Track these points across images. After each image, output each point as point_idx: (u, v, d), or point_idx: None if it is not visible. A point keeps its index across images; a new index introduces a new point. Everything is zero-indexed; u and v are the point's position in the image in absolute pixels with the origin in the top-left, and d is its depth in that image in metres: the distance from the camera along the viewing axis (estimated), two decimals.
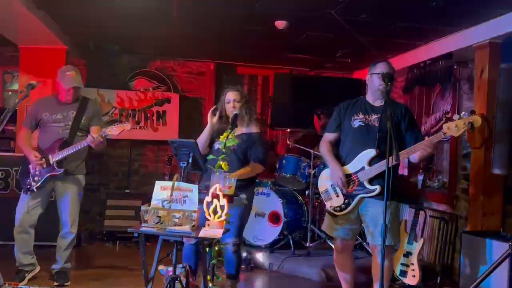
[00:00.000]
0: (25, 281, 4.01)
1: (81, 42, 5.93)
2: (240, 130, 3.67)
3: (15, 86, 6.41)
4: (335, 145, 3.58)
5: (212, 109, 3.69)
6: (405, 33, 4.76)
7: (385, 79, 3.25)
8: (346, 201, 3.40)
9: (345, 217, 3.43)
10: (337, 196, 3.45)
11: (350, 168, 3.40)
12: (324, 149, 3.58)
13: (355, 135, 3.41)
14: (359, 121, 3.41)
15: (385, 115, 3.25)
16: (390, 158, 2.90)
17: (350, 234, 3.49)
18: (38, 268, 4.18)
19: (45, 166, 3.93)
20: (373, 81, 3.42)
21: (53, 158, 3.92)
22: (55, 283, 4.02)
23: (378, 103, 3.44)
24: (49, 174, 3.94)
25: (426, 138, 3.20)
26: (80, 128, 4.05)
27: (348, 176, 3.39)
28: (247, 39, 5.34)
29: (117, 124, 3.89)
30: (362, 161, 3.34)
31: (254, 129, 3.72)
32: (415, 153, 3.20)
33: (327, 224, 3.58)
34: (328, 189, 3.52)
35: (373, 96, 3.46)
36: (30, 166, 3.98)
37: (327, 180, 3.54)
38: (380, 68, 3.40)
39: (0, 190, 5.10)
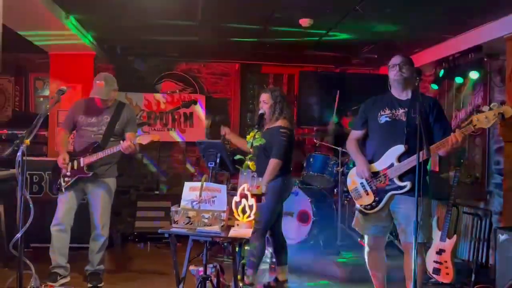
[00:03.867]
0: (57, 284, 4.08)
1: (108, 47, 6.03)
2: (267, 127, 3.81)
3: (46, 92, 6.57)
4: (362, 142, 3.55)
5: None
6: (433, 26, 4.67)
7: (413, 74, 3.21)
8: (376, 199, 3.34)
9: (376, 215, 3.38)
10: (367, 194, 3.39)
11: (379, 165, 3.34)
12: (350, 146, 3.57)
13: (382, 131, 3.36)
14: (386, 116, 3.35)
15: (413, 109, 3.21)
16: (421, 153, 2.85)
17: (382, 232, 3.44)
18: (69, 278, 4.21)
19: (69, 169, 4.02)
20: (389, 73, 3.39)
21: (84, 161, 4.01)
22: (89, 285, 4.10)
23: (404, 96, 3.37)
24: (78, 176, 4.04)
25: (456, 130, 3.12)
26: (113, 134, 4.12)
27: (377, 173, 3.34)
28: (271, 38, 5.34)
29: (148, 133, 3.96)
30: (391, 158, 3.29)
31: (278, 123, 3.89)
32: (445, 147, 3.12)
33: (358, 223, 3.53)
34: (357, 187, 3.47)
35: (396, 89, 3.40)
36: None
37: (356, 178, 3.50)
38: (392, 60, 3.38)
39: (34, 193, 5.23)
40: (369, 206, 3.38)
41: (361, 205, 3.44)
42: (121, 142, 3.96)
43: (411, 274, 2.97)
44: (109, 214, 4.24)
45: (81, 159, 4.01)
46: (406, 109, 3.30)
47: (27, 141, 3.07)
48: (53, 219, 4.09)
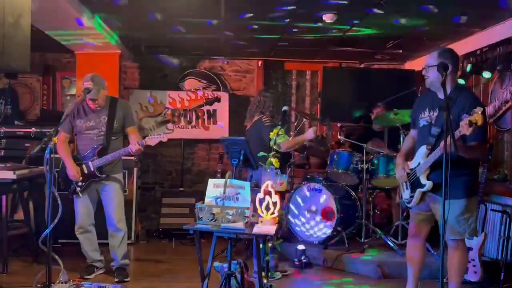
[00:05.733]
0: (93, 275, 4.23)
1: (133, 45, 6.10)
2: None
3: (73, 91, 6.68)
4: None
5: None
6: (459, 20, 4.56)
7: (439, 70, 3.15)
8: (411, 194, 3.47)
9: (415, 207, 3.50)
10: (407, 188, 3.53)
11: (412, 164, 3.47)
12: (403, 144, 3.79)
13: (421, 134, 3.46)
14: (424, 120, 3.42)
15: (444, 110, 3.19)
16: (441, 148, 2.92)
17: (424, 221, 3.53)
18: (104, 269, 4.37)
19: (85, 173, 4.10)
20: None
21: (94, 165, 4.09)
22: (116, 279, 4.17)
23: (442, 94, 3.32)
24: (91, 180, 4.14)
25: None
26: (113, 133, 4.18)
27: (411, 170, 3.46)
28: (294, 34, 5.31)
29: (156, 135, 4.05)
30: (418, 158, 3.39)
31: None
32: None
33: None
34: (402, 183, 3.62)
35: (435, 89, 3.42)
36: None
37: None
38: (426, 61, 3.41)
39: (62, 190, 5.31)
40: (407, 200, 3.54)
41: (404, 199, 3.59)
42: (125, 138, 4.04)
43: (453, 272, 3.25)
44: (123, 208, 4.31)
45: (90, 163, 4.09)
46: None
47: (55, 139, 3.14)
48: (75, 224, 4.22)
